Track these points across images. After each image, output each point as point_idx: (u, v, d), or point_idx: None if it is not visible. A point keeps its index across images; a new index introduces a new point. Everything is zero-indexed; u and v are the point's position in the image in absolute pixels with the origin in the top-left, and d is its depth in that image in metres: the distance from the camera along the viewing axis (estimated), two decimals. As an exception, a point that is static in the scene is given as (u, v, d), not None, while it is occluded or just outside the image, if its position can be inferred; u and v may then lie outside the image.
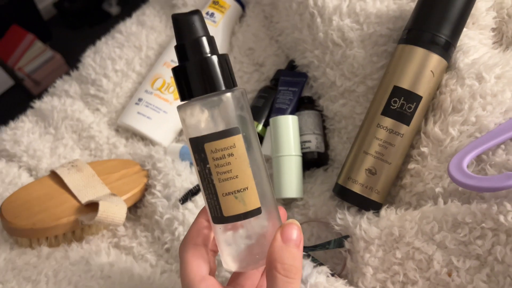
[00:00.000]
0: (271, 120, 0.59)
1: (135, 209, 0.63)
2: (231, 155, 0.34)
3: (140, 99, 0.70)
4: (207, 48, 0.34)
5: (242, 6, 0.77)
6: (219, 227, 0.36)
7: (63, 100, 0.75)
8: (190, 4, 0.80)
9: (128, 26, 0.82)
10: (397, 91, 0.51)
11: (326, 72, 0.60)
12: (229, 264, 0.36)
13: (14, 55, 1.98)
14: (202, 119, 0.34)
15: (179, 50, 0.35)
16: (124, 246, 0.58)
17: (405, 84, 0.50)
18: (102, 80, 0.74)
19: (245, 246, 0.35)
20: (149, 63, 0.77)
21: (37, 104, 0.76)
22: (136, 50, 0.78)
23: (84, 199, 0.56)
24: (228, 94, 0.34)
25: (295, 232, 0.34)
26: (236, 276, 0.41)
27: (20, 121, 0.73)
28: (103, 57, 0.77)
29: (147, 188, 0.63)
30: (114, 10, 2.33)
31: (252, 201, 0.35)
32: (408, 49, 0.51)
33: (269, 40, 0.73)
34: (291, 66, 0.68)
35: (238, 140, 0.34)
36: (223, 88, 0.34)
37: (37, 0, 2.15)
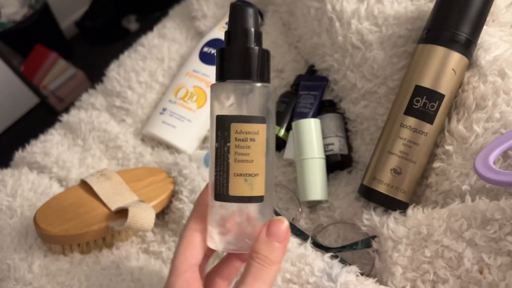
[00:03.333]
0: (293, 123, 0.60)
1: (163, 215, 0.64)
2: (253, 140, 0.36)
3: (164, 109, 0.72)
4: (253, 40, 0.36)
5: (261, 15, 0.79)
6: (219, 205, 0.37)
7: (90, 113, 0.77)
8: (210, 15, 0.82)
9: (150, 39, 0.84)
10: (419, 90, 0.51)
11: (347, 75, 0.61)
12: (217, 243, 0.37)
13: (39, 74, 2.04)
14: (233, 101, 0.36)
15: (229, 34, 0.37)
16: (153, 251, 0.59)
17: (426, 83, 0.51)
18: (127, 92, 0.77)
19: (237, 229, 0.37)
20: (171, 74, 0.79)
21: (64, 118, 0.78)
22: (158, 62, 0.80)
23: (113, 206, 0.58)
24: (261, 85, 0.36)
25: (281, 228, 0.36)
26: (221, 267, 0.42)
27: (49, 134, 0.75)
28: (127, 70, 0.79)
29: (174, 194, 0.64)
30: (133, 26, 2.38)
31: (259, 187, 0.37)
32: (428, 48, 0.52)
33: (288, 47, 0.74)
34: (311, 70, 0.69)
35: (262, 128, 0.36)
36: (258, 79, 0.36)
37: (60, 20, 2.21)
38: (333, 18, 0.61)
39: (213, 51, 0.74)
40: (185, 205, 0.60)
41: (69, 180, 0.68)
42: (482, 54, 0.52)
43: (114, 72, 0.81)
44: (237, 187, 0.36)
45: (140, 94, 0.76)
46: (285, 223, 0.37)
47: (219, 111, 0.36)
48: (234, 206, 0.37)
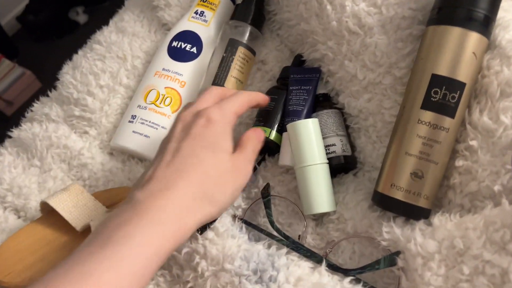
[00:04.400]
0: (288, 126, 0.52)
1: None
2: (247, 62, 0.61)
3: (133, 116, 0.62)
4: None
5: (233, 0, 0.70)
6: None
7: (45, 126, 0.66)
8: (174, 4, 0.72)
9: (107, 35, 0.73)
10: (437, 80, 0.44)
11: (345, 65, 0.53)
12: None
13: (-19, 77, 1.86)
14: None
15: None
16: None
17: (444, 71, 0.44)
18: (87, 98, 0.66)
19: None
20: (137, 74, 0.69)
21: (15, 133, 0.67)
22: (120, 61, 0.69)
23: (78, 225, 0.48)
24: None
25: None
26: None
27: (-2, 155, 0.64)
28: (84, 72, 0.69)
29: (155, 217, 0.55)
30: (82, 18, 2.22)
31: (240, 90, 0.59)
32: (441, 30, 0.45)
33: (269, 34, 0.66)
34: (299, 61, 0.60)
35: (253, 60, 0.62)
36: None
37: (-1, 16, 2.03)
38: (323, 0, 0.53)
39: (184, 45, 0.65)
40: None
41: (28, 209, 0.58)
42: (501, 32, 0.46)
43: (69, 76, 0.70)
44: (230, 83, 0.59)
45: (103, 100, 0.66)
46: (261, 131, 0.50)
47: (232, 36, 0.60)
48: None
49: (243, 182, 0.44)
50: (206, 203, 0.41)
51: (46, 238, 0.50)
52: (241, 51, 0.59)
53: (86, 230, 0.48)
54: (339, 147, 0.53)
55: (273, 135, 0.56)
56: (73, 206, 0.50)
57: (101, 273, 0.34)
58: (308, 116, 0.55)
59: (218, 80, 0.59)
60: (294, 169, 0.51)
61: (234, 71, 0.59)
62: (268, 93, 0.60)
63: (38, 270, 0.47)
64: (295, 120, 0.53)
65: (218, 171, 0.42)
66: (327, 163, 0.51)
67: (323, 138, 0.53)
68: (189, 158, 0.41)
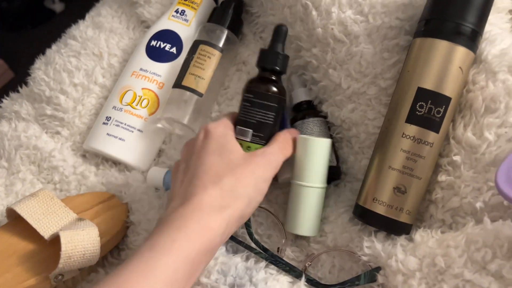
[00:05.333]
0: (301, 139, 0.48)
1: (118, 251, 0.53)
2: (209, 57, 0.58)
3: (108, 118, 0.59)
4: None
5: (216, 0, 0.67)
6: (173, 90, 0.58)
7: (14, 124, 0.63)
8: (154, 1, 0.69)
9: (83, 30, 0.70)
10: (423, 94, 0.43)
11: (329, 74, 0.52)
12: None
13: (-51, 66, 1.79)
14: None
15: None
16: (110, 300, 0.48)
17: (430, 85, 0.43)
18: (59, 97, 0.63)
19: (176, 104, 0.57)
20: (113, 73, 0.66)
21: (-19, 131, 0.64)
22: (96, 59, 0.66)
23: (46, 233, 0.46)
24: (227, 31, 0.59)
25: (294, 130, 0.50)
26: None
27: (-38, 155, 0.61)
28: (57, 68, 0.66)
29: (129, 225, 0.53)
30: (58, 7, 2.15)
31: (202, 86, 0.57)
32: (428, 43, 0.44)
33: (252, 36, 0.64)
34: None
35: (218, 54, 0.58)
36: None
37: (-30, 2, 1.95)
38: (308, 5, 0.52)
39: (163, 44, 0.62)
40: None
41: (-7, 214, 0.55)
42: (487, 47, 0.45)
43: (41, 72, 0.67)
44: (188, 81, 0.57)
45: (76, 100, 0.63)
46: (296, 132, 0.49)
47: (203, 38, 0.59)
48: (181, 92, 0.57)
49: (265, 173, 0.43)
50: (229, 200, 0.40)
51: (12, 247, 0.47)
52: (201, 48, 0.58)
53: (55, 239, 0.45)
54: (323, 156, 0.52)
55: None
56: (42, 214, 0.48)
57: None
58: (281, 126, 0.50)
59: (178, 79, 0.58)
60: (291, 182, 0.49)
61: (193, 68, 0.57)
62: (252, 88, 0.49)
63: (3, 283, 0.44)
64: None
65: (230, 168, 0.42)
66: (325, 188, 0.49)
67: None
68: (199, 168, 0.42)
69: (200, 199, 0.39)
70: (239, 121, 0.47)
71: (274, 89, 0.47)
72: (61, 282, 0.47)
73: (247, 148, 0.46)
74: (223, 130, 0.44)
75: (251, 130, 0.46)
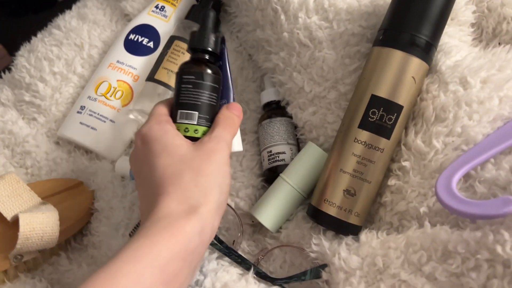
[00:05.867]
0: (309, 144, 0.52)
1: (81, 236, 0.55)
2: (183, 53, 0.59)
3: (82, 107, 0.61)
4: None
5: (197, -3, 0.69)
6: (146, 83, 0.59)
7: (-7, 109, 0.65)
8: (138, -5, 0.71)
9: (68, 20, 0.72)
10: (375, 101, 0.45)
11: (293, 77, 0.53)
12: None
13: None
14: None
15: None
16: (69, 283, 0.50)
17: (383, 93, 0.45)
18: (38, 84, 0.65)
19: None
20: (92, 64, 0.68)
21: (-40, 113, 0.65)
22: (76, 49, 0.68)
23: (9, 214, 0.48)
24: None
25: (238, 106, 0.46)
26: None
27: None
28: (39, 57, 0.67)
29: (93, 212, 0.55)
30: (59, -5, 2.16)
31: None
32: (385, 53, 0.46)
33: (229, 35, 0.66)
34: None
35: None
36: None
37: (-31, -15, 1.95)
38: (277, 9, 0.53)
39: (141, 38, 0.64)
40: (107, 228, 0.51)
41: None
42: (442, 58, 0.47)
43: (24, 59, 0.68)
44: (161, 75, 0.58)
45: (55, 88, 0.65)
46: (239, 105, 0.47)
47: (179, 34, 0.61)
48: (154, 85, 0.58)
49: (222, 156, 0.41)
50: (197, 196, 0.37)
51: (-25, 227, 0.49)
52: (176, 44, 0.59)
53: (17, 221, 0.47)
54: (288, 155, 0.54)
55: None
56: (6, 196, 0.49)
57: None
58: (228, 96, 0.48)
59: (151, 74, 0.59)
60: (280, 175, 0.51)
61: (166, 62, 0.58)
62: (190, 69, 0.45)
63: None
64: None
65: (185, 164, 0.39)
66: (304, 198, 0.52)
67: (274, 145, 0.54)
68: (153, 175, 0.39)
69: (164, 206, 0.36)
70: (181, 105, 0.43)
71: (214, 69, 0.44)
72: (21, 262, 0.48)
73: (194, 132, 0.43)
74: (159, 128, 0.41)
75: (196, 113, 0.43)
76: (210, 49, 0.45)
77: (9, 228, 0.48)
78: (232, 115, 0.44)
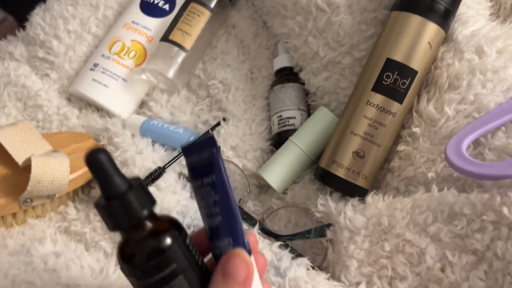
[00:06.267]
0: (321, 108, 0.52)
1: (89, 189, 0.55)
2: (198, 15, 0.60)
3: (95, 65, 0.61)
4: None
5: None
6: (160, 44, 0.60)
7: (7, 64, 0.65)
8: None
9: (84, -19, 0.72)
10: (390, 65, 0.45)
11: (309, 41, 0.53)
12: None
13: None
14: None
15: None
16: (75, 231, 0.50)
17: (399, 57, 0.45)
18: (53, 41, 0.65)
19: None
20: (107, 25, 0.68)
21: (-25, 67, 0.66)
22: (92, 9, 0.68)
23: (21, 159, 0.48)
24: None
25: (239, 265, 0.28)
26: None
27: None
28: (54, 15, 0.67)
29: (102, 166, 0.55)
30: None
31: (188, 43, 0.59)
32: (402, 17, 0.46)
33: (245, 1, 0.65)
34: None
35: (208, 14, 0.60)
36: None
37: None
38: (297, -27, 0.53)
39: (157, 0, 0.64)
40: (115, 180, 0.51)
41: (-25, 142, 0.57)
42: (460, 27, 0.47)
43: (39, 17, 0.68)
44: (176, 35, 0.59)
45: (68, 46, 0.65)
46: (245, 257, 0.28)
47: None
48: (168, 46, 0.59)
49: None
50: None
51: (-14, 170, 0.49)
52: (192, 6, 0.60)
53: (28, 167, 0.47)
54: (299, 121, 0.54)
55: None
56: (19, 141, 0.50)
57: None
58: (234, 229, 0.29)
59: (166, 34, 0.60)
60: (290, 138, 0.52)
61: (181, 24, 0.59)
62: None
63: (-26, 200, 0.46)
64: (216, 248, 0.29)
65: None
66: (312, 161, 0.52)
67: (285, 110, 0.54)
68: None
69: None
70: None
71: (167, 240, 0.27)
72: (30, 207, 0.49)
73: None
74: None
75: None
76: (146, 213, 0.26)
77: (20, 173, 0.49)
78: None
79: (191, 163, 0.29)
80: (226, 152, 0.55)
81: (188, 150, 0.29)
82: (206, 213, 0.29)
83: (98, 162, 0.25)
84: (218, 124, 0.58)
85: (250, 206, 0.52)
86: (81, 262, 0.44)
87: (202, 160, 0.28)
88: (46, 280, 0.41)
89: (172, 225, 0.28)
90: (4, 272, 0.42)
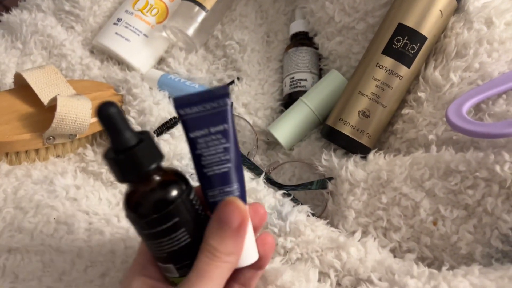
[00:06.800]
0: (333, 70, 0.55)
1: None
2: None
3: (119, 19, 0.64)
4: None
5: None
6: (182, 2, 0.62)
7: (34, 15, 0.68)
8: None
9: None
10: (402, 29, 0.47)
11: (325, 6, 0.55)
12: None
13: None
14: None
15: None
16: (93, 171, 0.54)
17: (410, 22, 0.47)
18: (79, -5, 0.68)
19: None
20: (132, -17, 0.70)
21: (4, 17, 0.69)
22: (118, -33, 0.71)
23: (46, 99, 0.51)
24: None
25: (233, 211, 0.29)
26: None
27: (-16, 32, 0.66)
28: (81, -29, 0.70)
29: (121, 114, 0.58)
30: None
31: (209, 2, 0.61)
32: (417, -16, 0.47)
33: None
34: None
35: None
36: None
37: None
38: None
39: (181, -38, 0.66)
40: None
41: (2, 84, 0.61)
42: (471, -1, 0.48)
43: (66, -28, 0.71)
44: None
45: (94, 0, 0.68)
46: (240, 205, 0.30)
47: None
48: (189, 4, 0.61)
49: None
50: None
51: (13, 107, 0.52)
52: None
53: (52, 107, 0.50)
54: (310, 83, 0.56)
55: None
56: (45, 83, 0.53)
57: None
58: (240, 177, 0.31)
59: None
60: (300, 98, 0.54)
61: None
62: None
63: (2, 130, 0.50)
64: (223, 193, 0.31)
65: None
66: (320, 122, 0.55)
67: (297, 72, 0.56)
68: None
69: None
70: (155, 259, 0.32)
71: (172, 194, 0.29)
72: (52, 145, 0.52)
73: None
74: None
75: (171, 265, 0.31)
76: (153, 166, 0.28)
77: (44, 113, 0.52)
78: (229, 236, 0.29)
79: (192, 113, 0.30)
80: (238, 109, 0.58)
81: (192, 101, 0.30)
82: (212, 161, 0.30)
83: (109, 115, 0.26)
84: (232, 82, 0.60)
85: (258, 160, 0.54)
86: (100, 195, 0.47)
87: (208, 110, 0.30)
88: (67, 206, 0.44)
89: (177, 178, 0.30)
90: (29, 197, 0.45)
